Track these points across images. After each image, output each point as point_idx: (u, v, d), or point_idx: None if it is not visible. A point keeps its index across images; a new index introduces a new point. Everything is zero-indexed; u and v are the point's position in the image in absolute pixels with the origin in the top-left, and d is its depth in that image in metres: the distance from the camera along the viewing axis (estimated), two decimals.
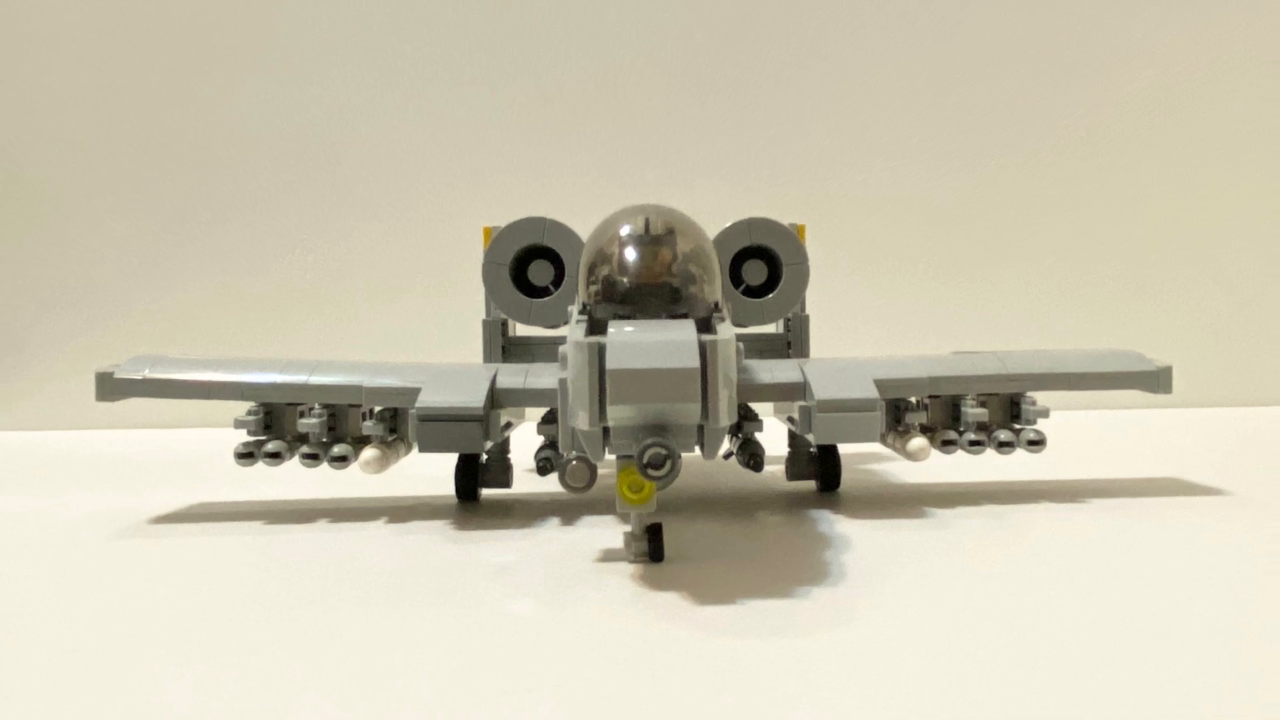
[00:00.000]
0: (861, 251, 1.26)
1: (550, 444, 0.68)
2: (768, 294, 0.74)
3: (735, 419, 0.53)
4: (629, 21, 1.27)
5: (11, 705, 0.38)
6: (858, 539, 0.61)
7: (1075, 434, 0.84)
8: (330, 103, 1.27)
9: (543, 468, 0.68)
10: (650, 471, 0.47)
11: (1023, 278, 1.28)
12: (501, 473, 0.74)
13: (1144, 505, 0.70)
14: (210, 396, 0.68)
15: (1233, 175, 1.29)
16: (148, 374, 0.69)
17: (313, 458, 0.66)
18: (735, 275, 0.73)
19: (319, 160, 1.27)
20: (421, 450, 0.65)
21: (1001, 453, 0.68)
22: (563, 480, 0.51)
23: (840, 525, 0.65)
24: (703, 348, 0.49)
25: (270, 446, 0.66)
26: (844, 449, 0.76)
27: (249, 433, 0.67)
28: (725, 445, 0.71)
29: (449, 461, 0.74)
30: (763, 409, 0.75)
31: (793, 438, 0.76)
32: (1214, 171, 1.29)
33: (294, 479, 0.72)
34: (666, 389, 0.48)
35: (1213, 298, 1.29)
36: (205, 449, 0.86)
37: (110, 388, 0.69)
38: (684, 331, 0.50)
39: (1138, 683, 0.38)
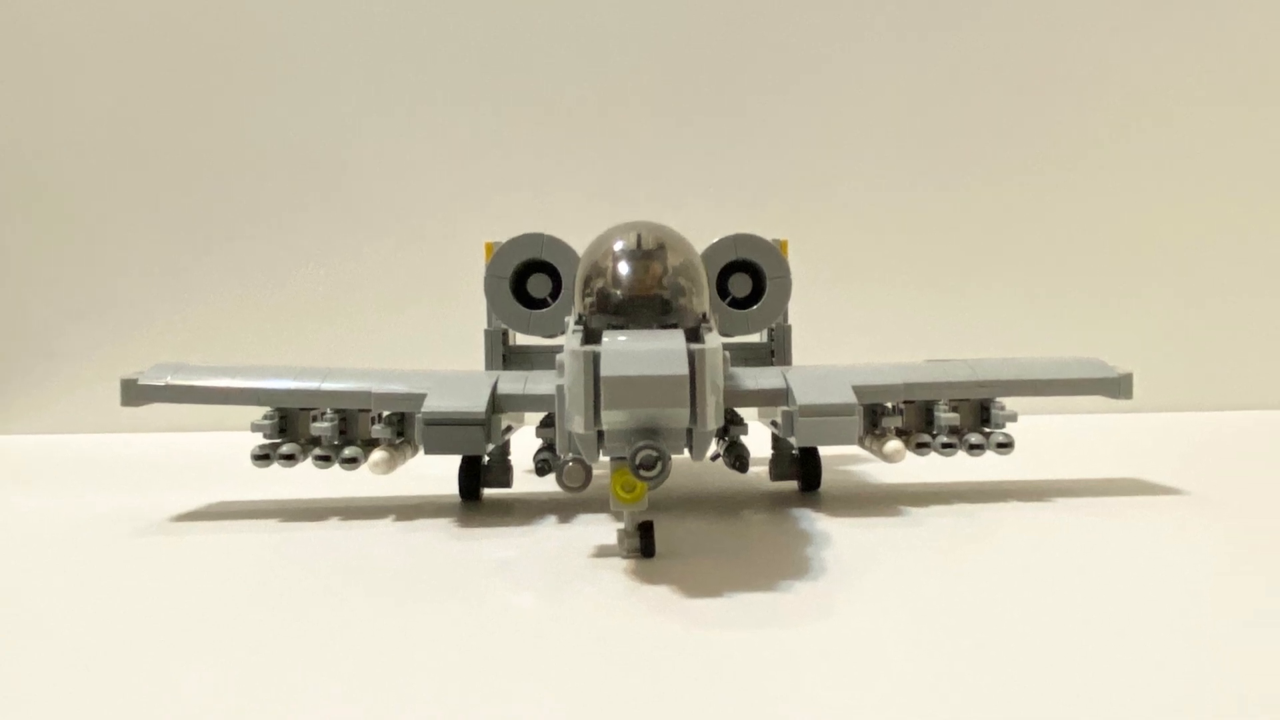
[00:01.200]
0: (841, 265, 1.26)
1: (548, 446, 0.68)
2: (752, 305, 0.74)
3: (722, 423, 0.53)
4: (623, 48, 1.27)
5: (34, 694, 0.38)
6: (837, 536, 0.61)
7: (1042, 437, 0.84)
8: (342, 125, 1.27)
9: (541, 469, 0.68)
10: (642, 472, 0.48)
11: (994, 289, 1.28)
12: (502, 473, 0.74)
13: (1106, 504, 0.70)
14: (228, 402, 0.68)
15: (1193, 192, 1.29)
16: (170, 380, 0.69)
17: (325, 459, 0.66)
18: (722, 288, 0.73)
19: (331, 179, 1.27)
20: (427, 452, 0.65)
21: (972, 455, 0.68)
22: (560, 481, 0.51)
23: (821, 523, 0.65)
24: (691, 356, 0.49)
25: (285, 449, 0.66)
26: (824, 451, 0.76)
27: (265, 436, 0.67)
28: (712, 448, 0.71)
29: (453, 463, 0.74)
30: (748, 413, 0.75)
31: (776, 440, 0.76)
32: (1176, 189, 1.29)
33: (307, 480, 0.72)
34: (657, 395, 0.48)
35: (1172, 309, 1.29)
36: (223, 451, 0.86)
37: (134, 393, 0.68)
38: (674, 341, 0.50)
39: (1099, 672, 0.38)
